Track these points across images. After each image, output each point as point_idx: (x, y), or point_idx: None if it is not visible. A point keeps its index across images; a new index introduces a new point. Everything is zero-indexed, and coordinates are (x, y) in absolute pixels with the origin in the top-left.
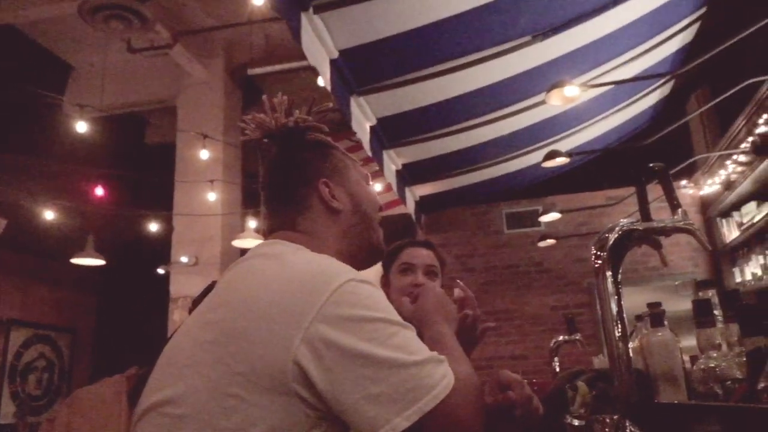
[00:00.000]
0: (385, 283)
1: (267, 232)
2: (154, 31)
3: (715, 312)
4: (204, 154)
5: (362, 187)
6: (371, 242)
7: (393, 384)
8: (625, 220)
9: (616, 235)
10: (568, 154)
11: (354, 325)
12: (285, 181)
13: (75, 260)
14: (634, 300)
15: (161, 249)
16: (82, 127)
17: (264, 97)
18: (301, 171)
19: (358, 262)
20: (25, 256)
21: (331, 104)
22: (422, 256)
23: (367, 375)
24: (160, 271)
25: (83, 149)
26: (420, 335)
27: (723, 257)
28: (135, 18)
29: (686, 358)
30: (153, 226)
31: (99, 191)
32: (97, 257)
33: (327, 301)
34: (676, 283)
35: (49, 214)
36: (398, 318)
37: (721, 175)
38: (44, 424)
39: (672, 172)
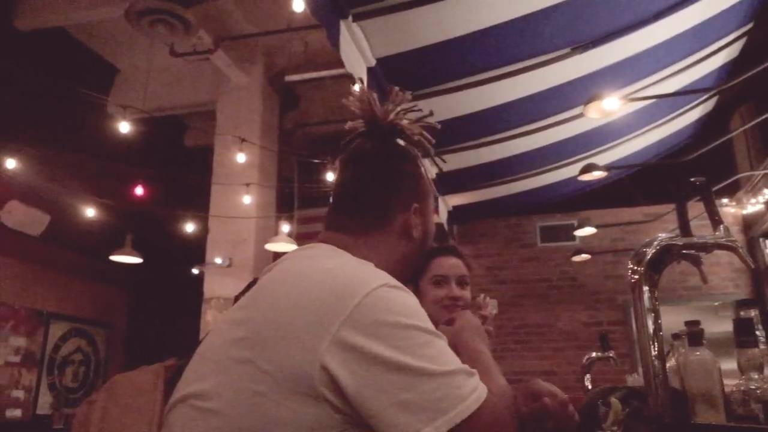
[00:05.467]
0: (415, 292)
1: (326, 227)
2: (197, 37)
3: (758, 332)
4: (241, 158)
5: (432, 219)
6: (416, 270)
7: (423, 393)
8: (664, 235)
9: (655, 250)
10: (606, 168)
11: (385, 331)
12: (379, 188)
13: (113, 257)
14: (672, 319)
15: (196, 250)
16: (124, 127)
17: (389, 87)
18: (398, 186)
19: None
20: (66, 252)
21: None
22: (454, 266)
23: (397, 382)
24: (195, 271)
25: (125, 149)
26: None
27: (765, 278)
28: (179, 23)
29: (728, 381)
30: (189, 227)
31: (139, 191)
32: (134, 255)
33: (358, 305)
34: (716, 303)
35: (90, 212)
36: (431, 326)
37: (765, 194)
38: (83, 405)
39: (714, 189)
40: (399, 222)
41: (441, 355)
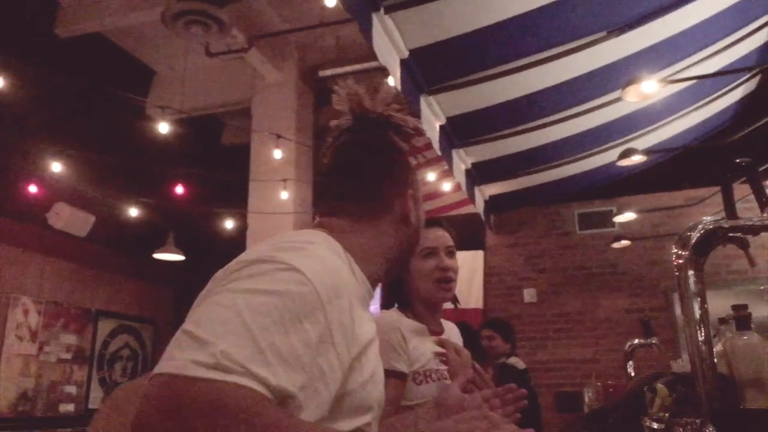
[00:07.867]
0: (406, 269)
1: (324, 212)
2: (231, 36)
3: None
4: (277, 154)
5: (422, 206)
6: (410, 256)
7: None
8: (709, 218)
9: (700, 234)
10: (645, 152)
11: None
12: (376, 176)
13: (156, 255)
14: (716, 304)
15: (236, 245)
16: (163, 128)
17: (378, 82)
18: (395, 174)
19: (393, 269)
20: (111, 251)
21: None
22: (441, 237)
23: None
24: None
25: (164, 149)
26: None
27: None
28: (213, 23)
29: None
30: (229, 224)
31: (179, 190)
32: (176, 253)
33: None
34: (762, 287)
35: (132, 212)
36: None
37: None
38: (94, 414)
39: (760, 170)
40: (398, 208)
41: (213, 319)
